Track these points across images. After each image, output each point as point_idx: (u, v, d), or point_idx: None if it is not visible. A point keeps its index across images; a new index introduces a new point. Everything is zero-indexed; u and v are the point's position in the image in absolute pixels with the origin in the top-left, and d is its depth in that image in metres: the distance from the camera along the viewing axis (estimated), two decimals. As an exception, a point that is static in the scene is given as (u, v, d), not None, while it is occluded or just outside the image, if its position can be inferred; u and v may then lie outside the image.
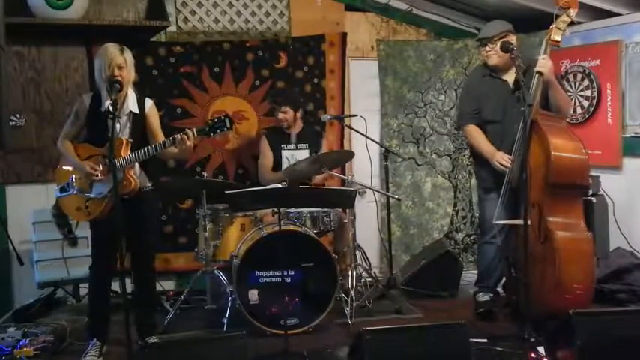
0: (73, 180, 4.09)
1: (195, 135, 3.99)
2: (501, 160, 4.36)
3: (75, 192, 4.08)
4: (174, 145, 3.96)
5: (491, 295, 4.73)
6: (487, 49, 4.49)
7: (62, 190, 4.16)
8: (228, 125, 4.01)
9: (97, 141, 4.02)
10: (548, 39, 4.17)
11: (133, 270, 4.23)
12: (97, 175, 3.97)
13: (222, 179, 5.63)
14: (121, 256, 3.59)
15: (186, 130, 3.98)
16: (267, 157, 5.33)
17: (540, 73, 4.14)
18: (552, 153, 4.02)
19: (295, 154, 5.25)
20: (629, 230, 5.24)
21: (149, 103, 4.17)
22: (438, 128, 6.25)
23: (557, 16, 4.14)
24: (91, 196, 4.04)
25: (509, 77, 4.48)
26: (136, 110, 4.06)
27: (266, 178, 5.24)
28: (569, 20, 4.16)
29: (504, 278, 4.73)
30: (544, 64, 4.14)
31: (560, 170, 4.04)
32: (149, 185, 4.19)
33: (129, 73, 3.98)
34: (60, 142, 4.14)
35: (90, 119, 4.04)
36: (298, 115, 5.31)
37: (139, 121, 4.09)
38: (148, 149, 3.96)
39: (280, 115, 5.26)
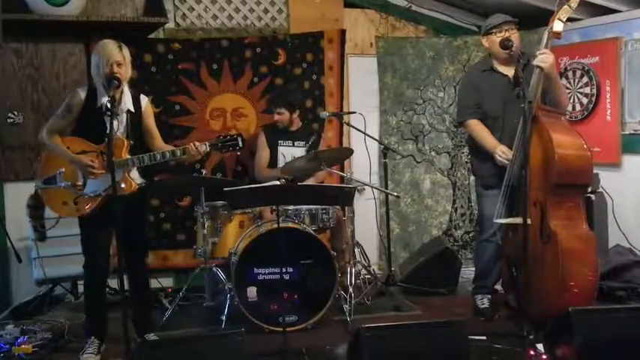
0: (62, 173, 3.98)
1: (208, 150, 4.00)
2: (501, 152, 4.31)
3: (64, 186, 3.97)
4: (184, 155, 3.97)
5: (490, 297, 4.70)
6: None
7: (47, 181, 4.01)
8: (240, 144, 4.03)
9: (92, 137, 3.94)
10: (549, 30, 4.13)
11: (126, 268, 4.17)
12: (95, 170, 3.90)
13: (221, 176, 5.62)
14: (119, 253, 3.57)
15: (198, 143, 3.97)
16: (263, 153, 5.33)
17: (541, 68, 4.11)
18: (556, 151, 3.98)
19: (291, 151, 5.24)
20: (628, 227, 5.24)
21: (145, 100, 4.13)
22: (436, 125, 6.24)
23: (559, 7, 4.11)
24: (85, 192, 3.96)
25: (510, 72, 4.44)
26: (132, 108, 4.02)
27: (262, 175, 5.24)
28: (571, 11, 4.13)
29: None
30: (544, 58, 4.10)
31: (565, 169, 3.99)
32: (141, 182, 4.14)
33: (127, 70, 3.94)
34: (46, 134, 3.96)
35: (84, 114, 3.95)
36: (295, 115, 5.30)
37: (136, 119, 4.05)
38: (154, 155, 3.93)
39: (276, 116, 5.28)
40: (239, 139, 4.02)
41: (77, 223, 4.12)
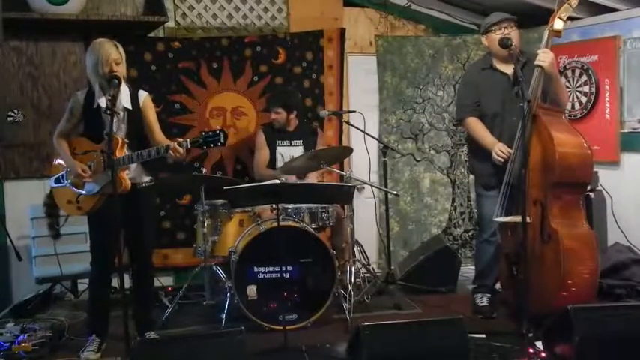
0: (67, 173, 4.11)
1: (189, 147, 3.93)
2: (498, 151, 4.29)
3: (68, 185, 4.11)
4: (167, 153, 3.91)
5: (489, 295, 4.71)
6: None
7: (57, 180, 4.19)
8: (222, 140, 3.91)
9: (93, 137, 4.01)
10: (550, 29, 4.13)
11: (131, 266, 4.22)
12: (86, 177, 3.98)
13: (221, 175, 5.62)
14: (119, 251, 3.58)
15: (180, 140, 3.91)
16: (262, 153, 5.34)
17: (541, 67, 4.11)
18: (557, 149, 3.97)
19: (289, 151, 5.25)
20: (627, 225, 5.25)
21: (143, 95, 4.12)
22: (436, 124, 6.25)
23: (559, 6, 4.11)
24: (83, 192, 4.04)
25: (509, 70, 4.44)
26: (129, 106, 4.02)
27: (261, 174, 5.25)
28: (571, 9, 4.13)
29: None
30: (544, 57, 4.10)
31: (565, 167, 3.99)
32: (146, 181, 4.16)
33: (124, 68, 3.96)
34: (55, 137, 4.14)
35: (85, 116, 4.02)
36: (292, 116, 5.30)
37: (134, 116, 4.05)
38: (142, 153, 3.91)
39: (273, 115, 5.30)
40: (221, 134, 3.90)
41: (77, 222, 4.16)
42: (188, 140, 3.93)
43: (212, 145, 3.92)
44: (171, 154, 3.89)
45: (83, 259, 4.18)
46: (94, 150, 4.00)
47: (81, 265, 4.26)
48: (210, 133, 3.91)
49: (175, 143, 3.88)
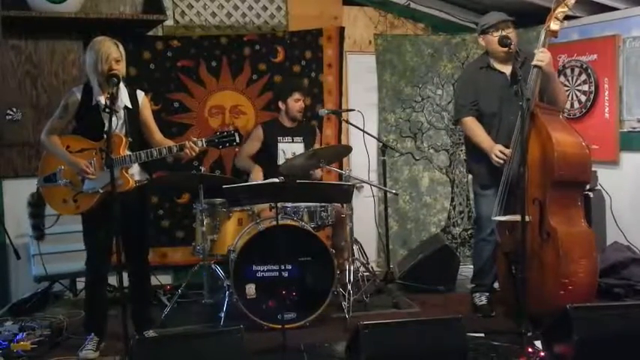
0: (61, 171, 4.02)
1: (204, 146, 3.98)
2: (498, 153, 4.30)
3: (63, 184, 4.02)
4: (181, 151, 3.96)
5: (488, 295, 4.71)
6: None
7: (47, 179, 4.08)
8: (237, 140, 4.02)
9: (90, 135, 3.97)
10: (546, 29, 4.14)
11: (128, 264, 4.19)
12: (91, 174, 3.92)
13: (220, 174, 5.62)
14: (117, 250, 3.57)
15: (195, 139, 3.96)
16: (252, 145, 5.35)
17: (539, 67, 4.11)
18: (555, 149, 3.97)
19: (291, 148, 5.25)
20: (626, 225, 5.25)
21: (141, 95, 4.13)
22: (435, 123, 6.24)
23: (556, 6, 4.11)
24: (83, 189, 3.99)
25: (507, 69, 4.44)
26: (129, 105, 4.02)
27: (241, 163, 5.36)
28: (568, 9, 4.13)
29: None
30: (542, 57, 4.10)
31: (564, 166, 3.99)
32: (143, 179, 4.14)
33: (123, 67, 3.94)
34: (45, 136, 4.02)
35: (81, 113, 3.98)
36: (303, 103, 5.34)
37: (134, 115, 4.05)
38: (151, 152, 3.91)
39: (298, 105, 5.28)
40: (236, 134, 4.01)
41: (76, 220, 4.14)
42: (204, 139, 3.99)
43: (227, 145, 4.01)
44: (187, 152, 3.94)
45: (81, 258, 4.17)
46: (93, 148, 3.97)
47: (80, 263, 4.26)
48: (225, 133, 3.99)
49: (191, 142, 3.92)
